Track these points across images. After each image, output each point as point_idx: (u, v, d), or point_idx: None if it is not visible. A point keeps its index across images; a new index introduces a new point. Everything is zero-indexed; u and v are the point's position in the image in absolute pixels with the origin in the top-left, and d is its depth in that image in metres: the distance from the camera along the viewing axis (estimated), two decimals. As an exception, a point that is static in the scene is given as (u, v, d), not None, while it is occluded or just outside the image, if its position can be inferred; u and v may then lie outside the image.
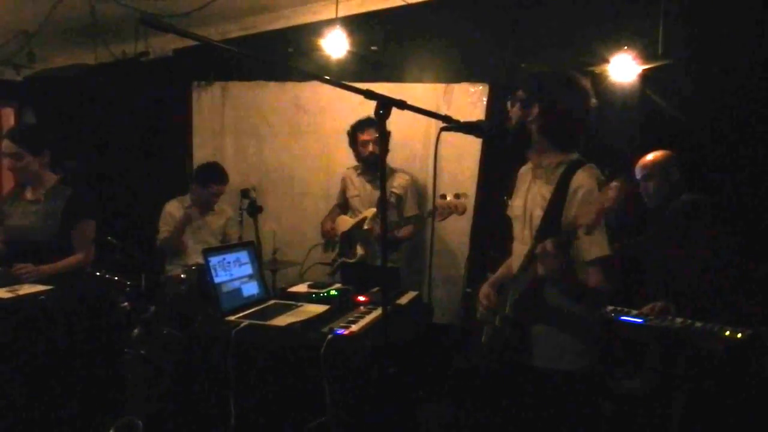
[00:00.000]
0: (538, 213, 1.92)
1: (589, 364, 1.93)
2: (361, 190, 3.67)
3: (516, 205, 2.07)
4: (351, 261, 3.54)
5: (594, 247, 1.79)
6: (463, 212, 2.94)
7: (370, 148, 3.51)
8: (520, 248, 2.04)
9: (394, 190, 3.57)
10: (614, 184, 1.56)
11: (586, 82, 1.97)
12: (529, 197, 2.00)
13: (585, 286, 1.82)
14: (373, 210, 3.50)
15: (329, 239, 3.72)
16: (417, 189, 3.75)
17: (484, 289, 2.16)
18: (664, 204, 2.74)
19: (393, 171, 3.66)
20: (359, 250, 3.52)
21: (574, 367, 1.90)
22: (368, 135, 3.50)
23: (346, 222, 3.65)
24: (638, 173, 2.83)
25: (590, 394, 2.02)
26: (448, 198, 2.91)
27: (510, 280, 2.04)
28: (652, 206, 2.80)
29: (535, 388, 1.94)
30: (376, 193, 3.55)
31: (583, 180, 1.84)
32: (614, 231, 1.89)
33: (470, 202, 3.32)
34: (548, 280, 1.79)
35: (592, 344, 1.95)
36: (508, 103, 2.03)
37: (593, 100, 1.96)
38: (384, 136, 1.63)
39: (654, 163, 2.78)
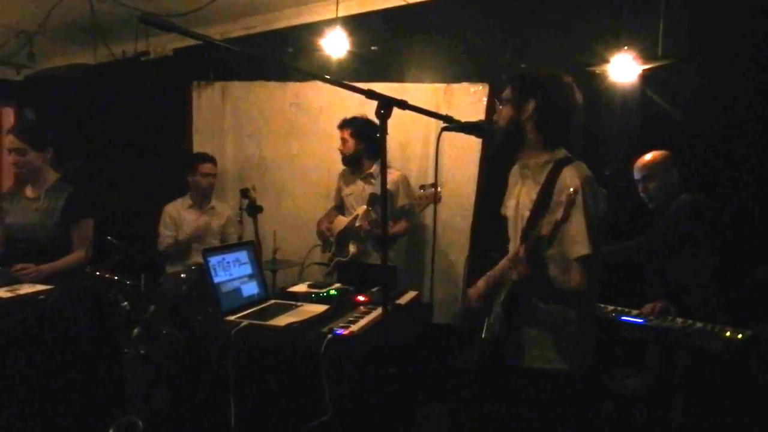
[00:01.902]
0: (527, 214, 1.92)
1: (585, 365, 1.93)
2: (354, 188, 3.69)
3: (509, 206, 2.08)
4: (344, 260, 3.56)
5: (576, 245, 1.79)
6: (438, 200, 2.99)
7: (342, 149, 3.60)
8: (511, 246, 2.06)
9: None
10: None
11: (570, 79, 1.96)
12: (519, 198, 2.01)
13: (557, 287, 1.82)
14: (364, 207, 3.50)
15: (324, 240, 3.72)
16: (409, 184, 3.68)
17: (478, 283, 2.16)
18: (665, 204, 2.74)
19: (387, 166, 3.63)
20: (351, 249, 3.53)
21: (565, 368, 1.89)
22: (341, 133, 3.59)
23: (341, 222, 3.66)
24: (637, 174, 2.82)
25: (589, 394, 2.03)
26: (427, 188, 2.96)
27: (503, 280, 2.03)
28: (653, 206, 2.80)
29: (532, 389, 1.93)
30: (368, 190, 3.57)
31: (569, 180, 1.82)
32: (605, 233, 1.88)
33: (436, 190, 3.39)
34: (521, 283, 1.80)
35: (587, 345, 1.95)
36: (497, 105, 2.02)
37: (578, 96, 1.94)
38: (384, 135, 1.62)
39: (654, 164, 2.77)
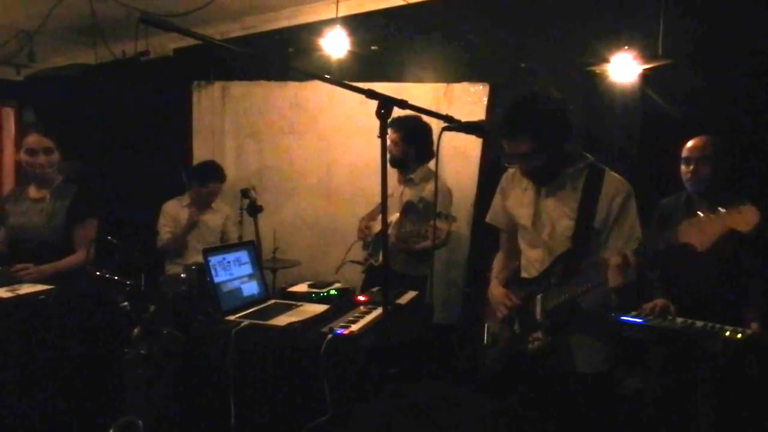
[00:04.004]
0: (567, 223, 1.93)
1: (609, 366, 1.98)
2: (396, 190, 3.51)
3: (522, 214, 2.06)
4: (375, 264, 3.44)
5: (631, 242, 1.83)
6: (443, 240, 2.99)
7: (392, 149, 3.37)
8: (534, 254, 2.04)
9: (424, 195, 3.37)
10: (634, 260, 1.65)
11: (552, 88, 1.97)
12: (540, 206, 2.00)
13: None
14: (397, 215, 3.35)
15: (362, 239, 3.59)
16: (451, 199, 3.48)
17: (500, 291, 2.14)
18: (710, 193, 2.60)
19: (430, 176, 3.42)
20: (381, 256, 3.35)
21: (605, 370, 1.96)
22: (390, 135, 3.32)
23: (379, 223, 3.51)
24: (692, 152, 2.64)
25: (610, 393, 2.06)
26: (441, 220, 2.92)
27: (535, 286, 2.02)
28: (694, 191, 2.65)
29: (568, 391, 1.96)
30: (406, 196, 3.41)
31: (618, 183, 1.91)
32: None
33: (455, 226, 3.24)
34: (616, 290, 1.77)
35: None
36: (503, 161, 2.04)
37: (558, 93, 1.96)
38: (385, 136, 1.59)
39: (714, 146, 2.60)
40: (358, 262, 3.59)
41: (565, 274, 1.89)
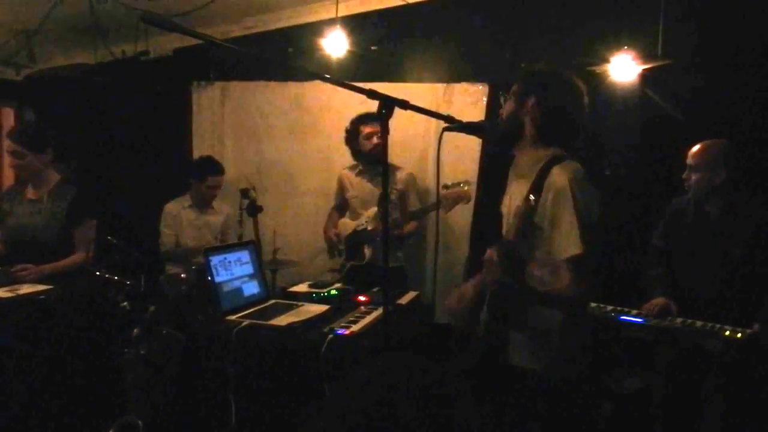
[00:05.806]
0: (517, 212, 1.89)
1: (573, 370, 1.89)
2: (360, 190, 3.62)
3: (504, 204, 2.05)
4: (360, 264, 3.48)
5: (566, 245, 1.72)
6: (468, 200, 2.93)
7: (375, 140, 3.42)
8: None
9: (396, 186, 3.51)
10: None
11: (581, 82, 1.94)
12: (512, 195, 1.98)
13: (541, 290, 1.69)
14: (374, 209, 3.44)
15: (333, 246, 3.66)
16: (417, 183, 3.68)
17: (465, 287, 2.09)
18: (705, 200, 2.62)
19: (394, 167, 3.58)
20: (366, 252, 3.45)
21: (554, 370, 1.86)
22: (372, 128, 3.42)
23: (347, 225, 3.60)
24: (688, 159, 2.65)
25: (585, 398, 2.00)
26: (452, 187, 2.89)
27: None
28: (691, 197, 2.67)
29: (524, 392, 1.91)
30: (376, 192, 3.49)
31: (556, 177, 1.78)
32: (600, 235, 1.82)
33: (473, 189, 3.26)
34: (494, 286, 1.72)
35: (574, 351, 1.91)
36: (501, 100, 2.03)
37: (586, 99, 1.93)
38: (385, 136, 1.60)
39: (700, 155, 2.59)
40: (336, 270, 3.64)
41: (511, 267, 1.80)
